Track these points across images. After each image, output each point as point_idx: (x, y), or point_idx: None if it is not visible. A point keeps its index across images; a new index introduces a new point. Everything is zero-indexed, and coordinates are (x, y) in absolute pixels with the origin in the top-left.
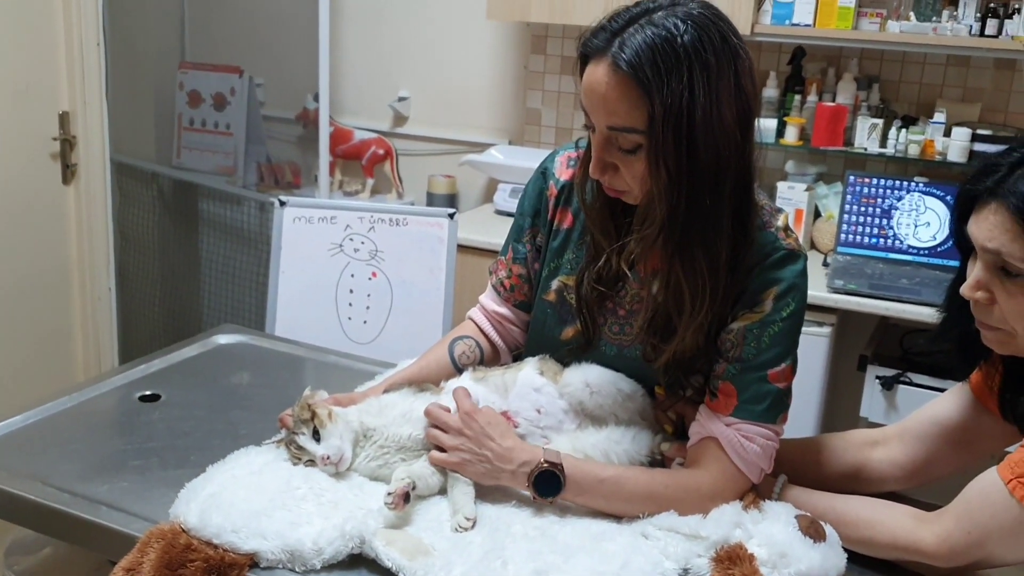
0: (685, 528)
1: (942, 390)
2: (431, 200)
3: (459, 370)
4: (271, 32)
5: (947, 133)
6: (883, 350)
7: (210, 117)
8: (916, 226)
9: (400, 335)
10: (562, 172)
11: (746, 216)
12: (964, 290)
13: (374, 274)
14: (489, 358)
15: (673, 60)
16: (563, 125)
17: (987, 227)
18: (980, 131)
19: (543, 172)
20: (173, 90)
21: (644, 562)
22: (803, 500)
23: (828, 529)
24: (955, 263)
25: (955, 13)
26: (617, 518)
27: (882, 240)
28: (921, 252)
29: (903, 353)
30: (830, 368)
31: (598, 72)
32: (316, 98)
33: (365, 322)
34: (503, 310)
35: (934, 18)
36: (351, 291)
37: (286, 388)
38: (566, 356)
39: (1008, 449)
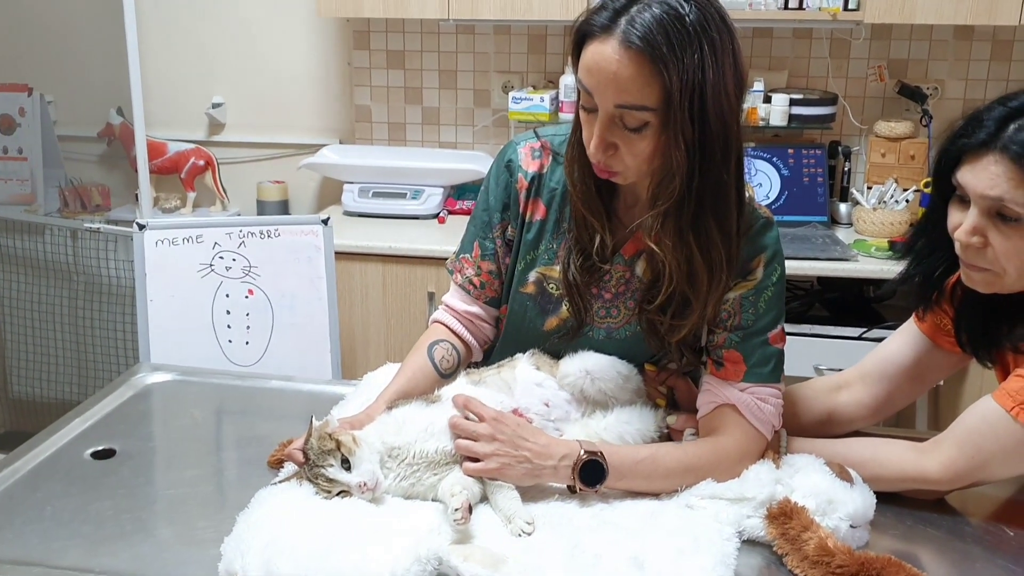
0: (728, 493)
1: (806, 335)
2: (262, 208)
3: (442, 375)
4: (60, 44)
5: (766, 100)
6: None
7: None
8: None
9: (286, 352)
10: (528, 164)
11: (742, 186)
12: (960, 235)
13: (250, 291)
14: (464, 359)
15: (684, 37)
16: (395, 120)
17: (987, 176)
18: (794, 96)
19: (507, 165)
20: None
21: (708, 532)
22: (808, 449)
23: (851, 472)
24: (790, 218)
25: None
26: (655, 495)
27: None
28: None
29: None
30: None
31: (606, 50)
32: (120, 112)
33: (247, 343)
34: (474, 309)
35: None
36: (228, 312)
37: (245, 421)
38: (553, 346)
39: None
